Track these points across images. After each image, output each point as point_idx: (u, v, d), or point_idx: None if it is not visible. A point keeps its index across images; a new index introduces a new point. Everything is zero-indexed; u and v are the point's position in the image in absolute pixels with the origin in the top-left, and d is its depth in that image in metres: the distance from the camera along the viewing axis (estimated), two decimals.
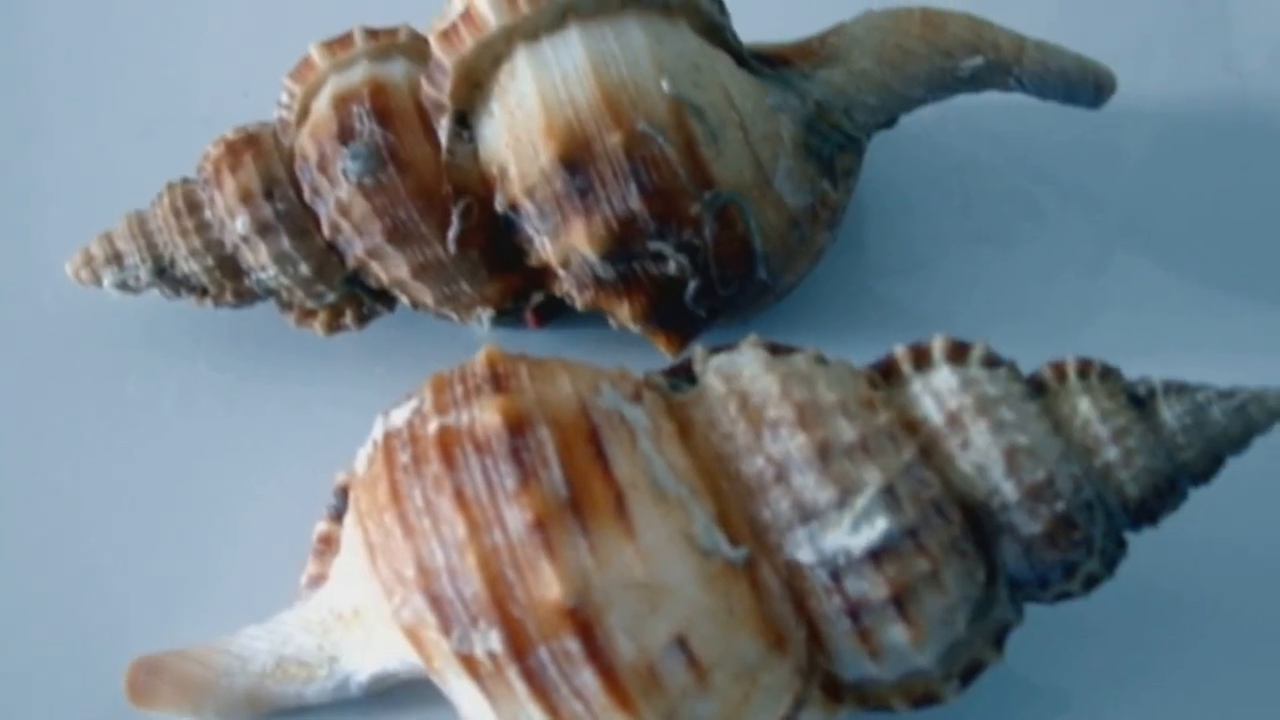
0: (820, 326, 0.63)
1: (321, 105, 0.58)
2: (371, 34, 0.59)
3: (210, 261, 0.60)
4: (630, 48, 0.54)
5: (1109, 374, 0.49)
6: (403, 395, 0.50)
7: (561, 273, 0.57)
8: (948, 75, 0.59)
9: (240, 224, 0.59)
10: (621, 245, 0.54)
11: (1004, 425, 0.47)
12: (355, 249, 0.58)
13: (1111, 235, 0.67)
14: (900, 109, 0.60)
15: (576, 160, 0.54)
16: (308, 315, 0.62)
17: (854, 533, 0.45)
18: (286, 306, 0.62)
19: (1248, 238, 0.67)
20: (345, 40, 0.59)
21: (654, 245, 0.54)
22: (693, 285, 0.56)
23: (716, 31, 0.57)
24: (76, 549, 0.60)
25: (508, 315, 0.61)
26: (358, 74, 0.58)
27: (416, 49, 0.59)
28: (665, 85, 0.54)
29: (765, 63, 0.58)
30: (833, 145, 0.59)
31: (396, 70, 0.58)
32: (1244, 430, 0.48)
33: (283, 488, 0.61)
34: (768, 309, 0.60)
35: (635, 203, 0.54)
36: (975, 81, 0.59)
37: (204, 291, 0.62)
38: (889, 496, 0.45)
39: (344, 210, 0.57)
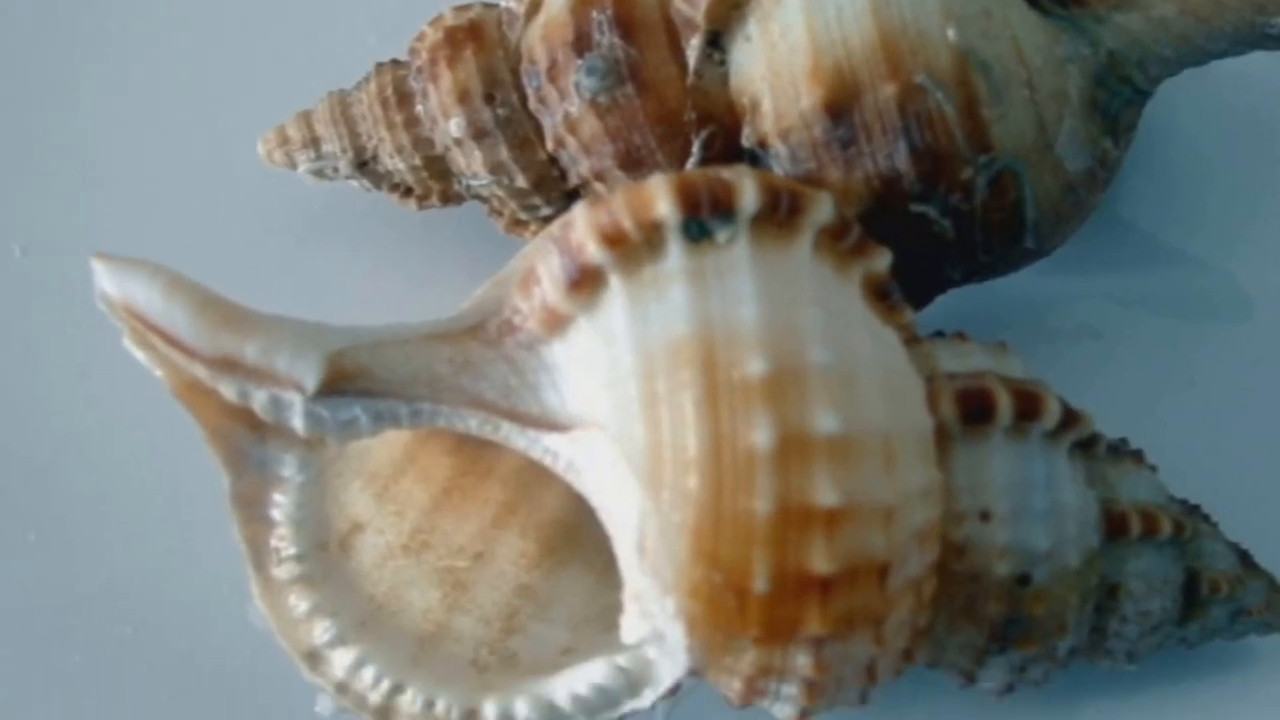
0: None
1: (557, 2, 0.53)
2: None
3: (417, 161, 0.56)
4: None
5: None
6: None
7: None
8: (1256, 32, 0.52)
9: (454, 126, 0.54)
10: (880, 205, 0.49)
11: None
12: (580, 168, 0.53)
13: None
14: (1194, 63, 0.53)
15: (843, 109, 0.48)
16: (518, 225, 0.57)
17: None
18: (496, 213, 0.58)
19: None
20: None
21: (916, 208, 0.49)
22: (951, 250, 0.51)
23: None
24: None
25: None
26: None
27: None
28: (951, 34, 0.48)
29: (1058, 0, 0.52)
30: (1121, 101, 0.52)
31: None
32: None
33: None
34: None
35: (902, 162, 0.48)
36: None
37: (407, 191, 0.57)
38: None
39: (572, 126, 0.52)
